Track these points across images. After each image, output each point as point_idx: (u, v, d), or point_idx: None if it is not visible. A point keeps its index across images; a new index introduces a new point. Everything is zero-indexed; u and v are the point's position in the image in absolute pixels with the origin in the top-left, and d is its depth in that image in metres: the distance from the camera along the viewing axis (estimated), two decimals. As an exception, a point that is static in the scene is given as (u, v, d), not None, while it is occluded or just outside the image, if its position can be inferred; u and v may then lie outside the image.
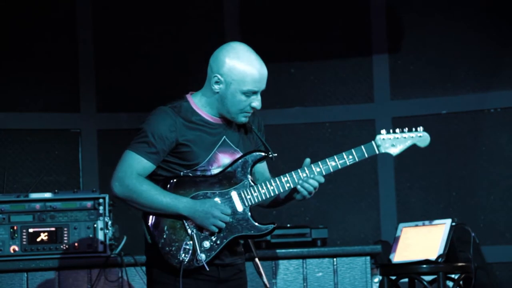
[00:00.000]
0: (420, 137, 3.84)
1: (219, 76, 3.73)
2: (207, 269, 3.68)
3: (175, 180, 3.74)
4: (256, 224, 3.73)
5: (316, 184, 3.74)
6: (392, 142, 3.82)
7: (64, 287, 5.24)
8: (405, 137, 3.83)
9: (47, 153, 6.51)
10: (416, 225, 5.73)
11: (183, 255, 3.65)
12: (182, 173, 3.74)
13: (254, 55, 3.76)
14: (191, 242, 3.67)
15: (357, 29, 6.69)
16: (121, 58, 6.66)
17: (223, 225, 3.68)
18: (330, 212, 6.41)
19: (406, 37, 6.58)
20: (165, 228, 3.69)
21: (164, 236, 3.68)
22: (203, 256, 3.67)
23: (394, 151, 3.82)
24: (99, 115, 6.62)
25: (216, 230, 3.68)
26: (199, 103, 3.80)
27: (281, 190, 3.76)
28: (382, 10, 6.62)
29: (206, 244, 3.69)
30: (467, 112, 6.49)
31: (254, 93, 3.74)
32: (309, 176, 3.73)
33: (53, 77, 6.56)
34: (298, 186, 3.73)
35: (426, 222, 5.69)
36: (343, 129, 6.54)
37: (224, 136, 3.79)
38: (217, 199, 3.72)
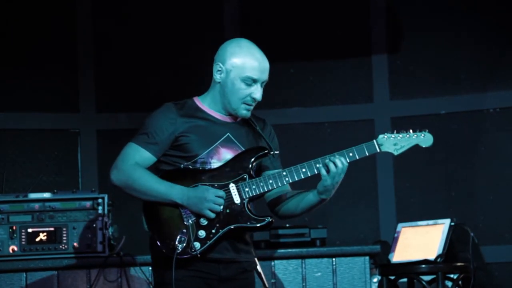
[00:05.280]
0: (423, 137, 3.80)
1: (220, 64, 3.79)
2: (198, 254, 3.62)
3: (174, 172, 3.74)
4: (253, 216, 3.71)
5: (337, 163, 3.68)
6: (394, 141, 3.79)
7: (63, 287, 5.25)
8: (408, 137, 3.79)
9: (46, 153, 6.51)
10: (415, 225, 5.73)
11: (178, 244, 3.62)
12: (182, 165, 3.75)
13: (255, 47, 3.82)
14: (186, 231, 3.65)
15: (357, 29, 6.69)
16: (121, 58, 6.67)
17: (219, 208, 3.65)
18: (329, 212, 6.40)
19: (406, 37, 6.57)
20: (162, 218, 3.69)
21: (161, 226, 3.68)
22: (197, 244, 3.64)
23: (396, 150, 3.79)
24: (98, 115, 6.62)
25: (212, 215, 3.65)
26: (205, 102, 3.85)
27: (279, 184, 3.74)
28: (382, 10, 6.62)
29: (202, 233, 3.66)
30: (467, 112, 6.48)
31: (254, 81, 3.77)
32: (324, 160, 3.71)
33: (53, 77, 6.57)
34: (321, 165, 3.68)
35: (425, 222, 5.69)
36: (342, 129, 6.53)
37: (228, 133, 3.80)
38: None
